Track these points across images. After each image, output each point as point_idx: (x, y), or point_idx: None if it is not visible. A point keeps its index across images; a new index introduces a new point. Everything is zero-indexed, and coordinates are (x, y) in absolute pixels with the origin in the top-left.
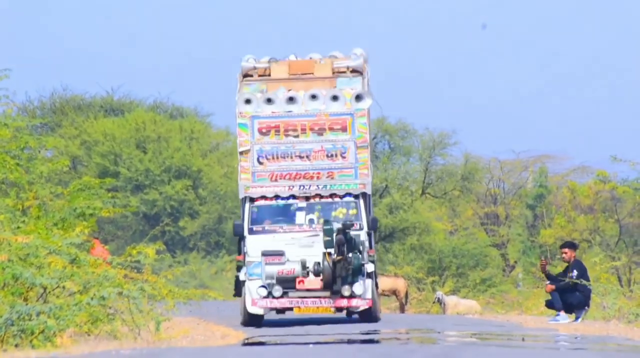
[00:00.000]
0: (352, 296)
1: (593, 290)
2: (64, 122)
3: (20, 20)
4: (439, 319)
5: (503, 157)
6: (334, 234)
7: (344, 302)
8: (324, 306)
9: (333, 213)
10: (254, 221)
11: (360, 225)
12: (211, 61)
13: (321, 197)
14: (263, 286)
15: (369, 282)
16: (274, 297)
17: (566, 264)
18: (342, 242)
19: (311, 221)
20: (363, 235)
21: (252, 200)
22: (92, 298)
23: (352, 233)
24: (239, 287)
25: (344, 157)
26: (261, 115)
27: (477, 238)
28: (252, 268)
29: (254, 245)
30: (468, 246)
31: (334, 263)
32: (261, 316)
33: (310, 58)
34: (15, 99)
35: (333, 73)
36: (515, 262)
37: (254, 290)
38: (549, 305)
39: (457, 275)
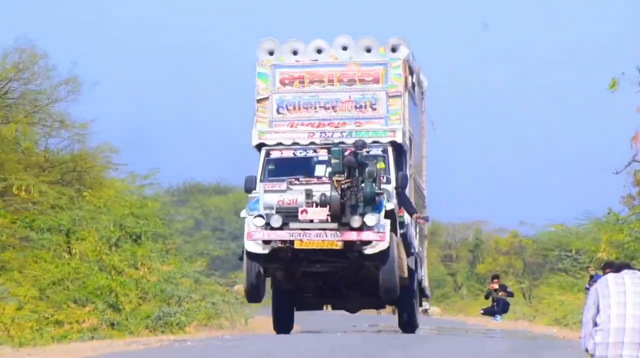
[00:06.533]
0: (362, 229)
1: (510, 302)
2: (190, 198)
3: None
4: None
5: (454, 221)
6: (344, 155)
7: (353, 235)
8: (330, 240)
9: None
10: (268, 174)
11: (387, 178)
12: None
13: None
14: (260, 216)
15: (385, 221)
16: (272, 228)
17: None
18: (353, 164)
19: (331, 174)
20: (389, 189)
21: (267, 154)
22: (207, 303)
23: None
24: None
25: (373, 109)
26: (284, 64)
27: (439, 269)
28: (253, 203)
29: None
30: (433, 275)
31: (343, 190)
32: (261, 258)
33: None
34: (162, 184)
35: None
36: (462, 284)
37: (250, 222)
38: (485, 312)
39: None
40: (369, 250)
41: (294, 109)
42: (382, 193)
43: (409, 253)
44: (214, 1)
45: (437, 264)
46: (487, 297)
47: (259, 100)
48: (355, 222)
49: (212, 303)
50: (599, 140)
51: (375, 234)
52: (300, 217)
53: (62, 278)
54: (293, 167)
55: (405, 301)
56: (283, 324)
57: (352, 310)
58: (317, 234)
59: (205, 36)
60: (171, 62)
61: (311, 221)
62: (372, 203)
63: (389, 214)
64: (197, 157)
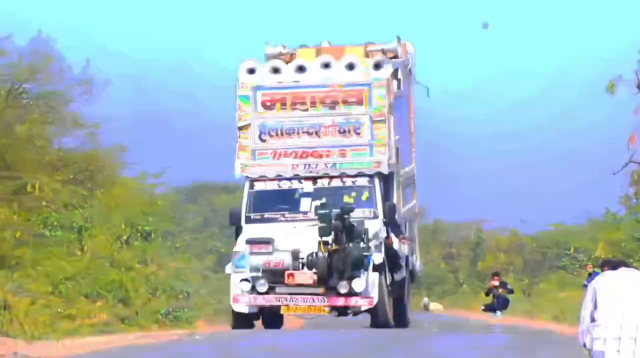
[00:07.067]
0: (350, 294)
1: (510, 298)
2: (199, 197)
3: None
4: (424, 315)
5: (457, 220)
6: (331, 220)
7: (340, 301)
8: (317, 305)
9: (345, 199)
10: (253, 208)
11: (374, 212)
12: None
13: (330, 179)
14: (246, 279)
15: (374, 276)
16: (258, 293)
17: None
18: (340, 229)
19: (317, 208)
20: (377, 224)
21: (251, 185)
22: (215, 299)
23: (360, 220)
24: None
25: (357, 133)
26: (265, 85)
27: (441, 267)
28: (238, 259)
29: (249, 234)
30: (435, 272)
31: (330, 254)
32: (247, 316)
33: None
34: (172, 183)
35: (366, 57)
36: (463, 281)
37: (237, 284)
38: (486, 308)
39: (428, 288)
40: (357, 310)
41: (277, 135)
42: (369, 254)
43: (398, 267)
44: (213, 4)
45: (439, 262)
46: (487, 294)
47: (240, 128)
48: (343, 288)
49: (220, 299)
50: (597, 141)
51: (363, 300)
52: (287, 281)
53: (74, 274)
54: (277, 200)
55: (397, 301)
56: (273, 321)
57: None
58: (304, 300)
59: (210, 38)
60: (179, 65)
61: (298, 285)
62: (360, 266)
63: (377, 267)
64: (205, 156)
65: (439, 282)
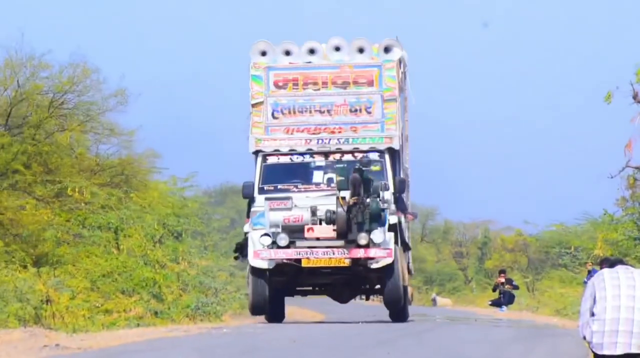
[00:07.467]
0: (369, 246)
1: (515, 294)
2: (226, 199)
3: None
4: (433, 309)
5: (464, 220)
6: (349, 174)
7: (360, 253)
8: (337, 257)
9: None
10: (266, 180)
11: (385, 185)
12: None
13: (342, 154)
14: (266, 234)
15: (390, 234)
16: (279, 247)
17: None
18: (358, 182)
19: (330, 180)
20: (388, 195)
21: (264, 159)
22: (241, 294)
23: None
24: (244, 248)
25: (369, 112)
26: (278, 66)
27: (450, 265)
28: (257, 217)
29: (262, 203)
30: (445, 269)
31: (349, 207)
32: (264, 272)
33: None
34: (200, 186)
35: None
36: (471, 278)
37: (256, 240)
38: (493, 303)
39: (440, 285)
40: (374, 265)
41: (290, 112)
42: (386, 208)
43: (405, 249)
44: (223, 8)
45: (449, 260)
46: (494, 290)
47: (253, 105)
48: (362, 239)
49: (246, 295)
50: (596, 147)
51: (382, 251)
52: (307, 235)
53: (111, 271)
54: (290, 173)
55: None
56: (276, 314)
57: (344, 300)
58: (324, 252)
59: (229, 46)
60: (203, 73)
61: (317, 239)
62: (378, 219)
63: (392, 227)
64: (232, 161)
65: (449, 279)
